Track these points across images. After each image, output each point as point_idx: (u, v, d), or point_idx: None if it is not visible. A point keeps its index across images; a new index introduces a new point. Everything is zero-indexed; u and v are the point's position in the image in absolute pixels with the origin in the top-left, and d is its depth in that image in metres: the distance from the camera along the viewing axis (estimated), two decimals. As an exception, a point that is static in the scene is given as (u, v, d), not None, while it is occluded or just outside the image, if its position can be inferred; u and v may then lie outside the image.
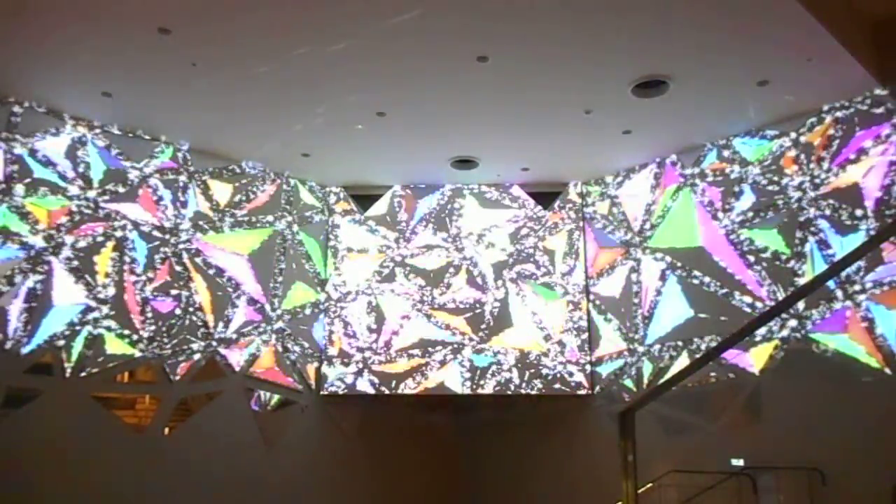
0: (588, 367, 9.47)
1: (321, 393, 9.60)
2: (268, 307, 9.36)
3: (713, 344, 8.12)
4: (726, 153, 8.65)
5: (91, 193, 8.23)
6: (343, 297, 9.92)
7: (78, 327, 7.83)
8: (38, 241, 7.73)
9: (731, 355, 7.99)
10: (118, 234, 8.34)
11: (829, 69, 7.04)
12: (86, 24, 6.38)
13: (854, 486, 6.75)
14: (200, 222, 9.02)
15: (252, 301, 9.23)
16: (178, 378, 8.42)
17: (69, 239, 7.97)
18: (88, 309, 7.94)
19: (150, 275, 8.49)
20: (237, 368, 8.92)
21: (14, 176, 7.71)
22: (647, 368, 8.92)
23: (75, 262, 7.95)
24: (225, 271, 9.08)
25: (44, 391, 7.51)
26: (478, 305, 9.73)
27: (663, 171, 9.27)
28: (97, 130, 8.38)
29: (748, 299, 8.13)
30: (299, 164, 9.60)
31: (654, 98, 7.56)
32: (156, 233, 8.63)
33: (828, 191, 7.69)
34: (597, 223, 9.91)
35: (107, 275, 8.15)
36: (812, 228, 7.74)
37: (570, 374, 9.44)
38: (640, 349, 9.04)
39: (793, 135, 8.08)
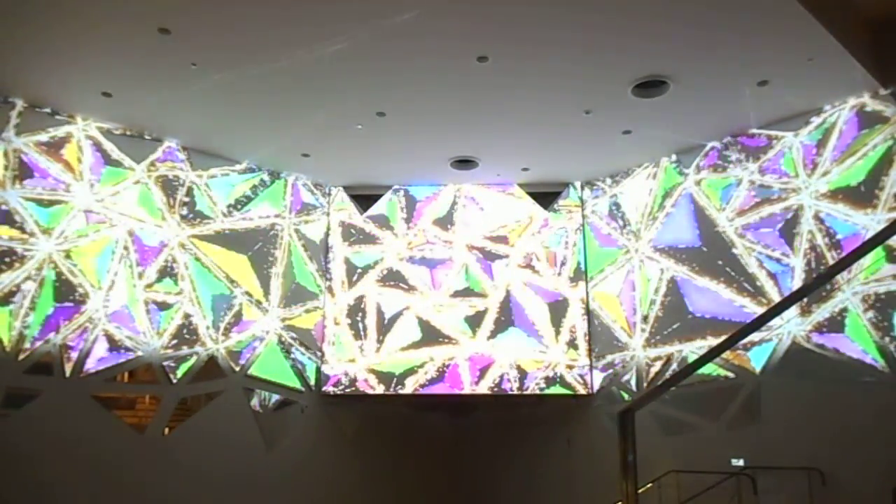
0: (588, 367, 9.48)
1: (321, 393, 9.61)
2: (268, 307, 9.36)
3: (713, 344, 8.11)
4: (726, 153, 8.66)
5: (91, 193, 8.24)
6: (343, 297, 9.92)
7: (78, 327, 7.83)
8: (38, 241, 7.73)
9: (731, 355, 8.00)
10: (118, 233, 8.34)
11: (829, 69, 7.03)
12: (86, 24, 6.38)
13: (854, 486, 6.75)
14: (200, 222, 9.03)
15: (252, 301, 9.23)
16: (178, 378, 8.44)
17: (69, 238, 7.97)
18: (89, 309, 7.95)
19: (150, 274, 8.49)
20: (237, 368, 8.93)
21: (14, 175, 7.71)
22: (647, 368, 8.93)
23: (75, 262, 7.96)
24: (225, 271, 9.09)
25: (44, 391, 7.52)
26: (478, 305, 9.73)
27: (663, 171, 9.27)
28: (97, 130, 8.39)
29: (748, 299, 8.13)
30: (299, 164, 9.61)
31: (654, 98, 7.56)
32: (156, 232, 8.64)
33: (828, 190, 7.69)
34: (597, 223, 9.91)
35: (106, 274, 8.16)
36: (812, 228, 7.74)
37: (571, 374, 9.44)
38: (640, 349, 9.05)
39: (793, 135, 8.09)
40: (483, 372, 9.48)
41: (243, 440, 8.81)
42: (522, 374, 9.43)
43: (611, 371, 9.33)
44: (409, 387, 9.49)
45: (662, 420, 8.30)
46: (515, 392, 9.41)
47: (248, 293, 9.23)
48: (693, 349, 8.50)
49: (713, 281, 8.48)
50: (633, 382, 9.05)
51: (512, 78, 7.26)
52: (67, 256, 7.93)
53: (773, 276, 8.00)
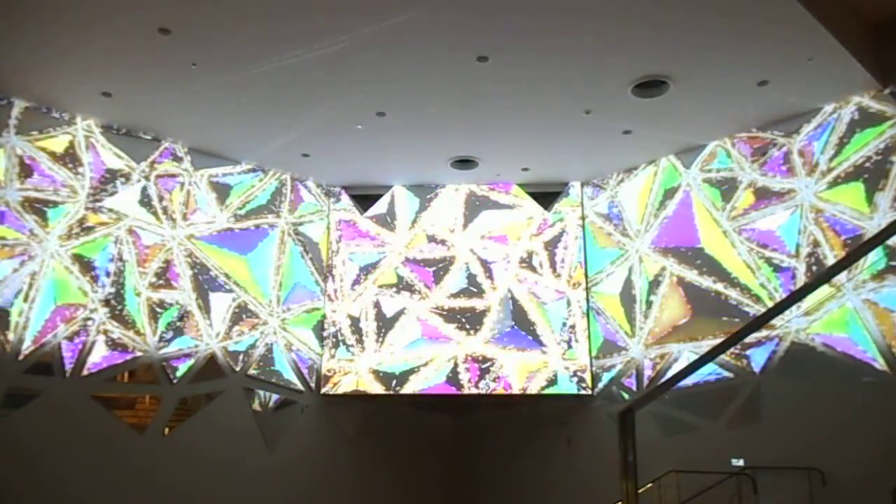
0: (588, 367, 9.47)
1: (321, 393, 9.61)
2: (268, 307, 9.36)
3: (713, 344, 8.11)
4: (726, 153, 8.66)
5: (91, 193, 8.24)
6: (343, 297, 9.93)
7: (78, 327, 7.83)
8: (38, 241, 7.74)
9: (732, 355, 8.00)
10: (118, 233, 8.35)
11: (829, 69, 7.04)
12: (86, 24, 6.38)
13: (854, 486, 6.75)
14: (200, 222, 9.03)
15: (252, 301, 9.23)
16: (178, 378, 8.44)
17: (69, 238, 7.97)
18: (89, 308, 7.95)
19: (150, 274, 8.49)
20: (237, 368, 8.93)
21: (14, 175, 7.72)
22: (647, 368, 8.93)
23: (75, 262, 7.96)
24: (225, 271, 9.09)
25: (44, 391, 7.51)
26: (478, 305, 9.73)
27: (663, 171, 9.27)
28: (97, 130, 8.39)
29: (748, 299, 8.13)
30: (299, 164, 9.60)
31: (654, 98, 7.56)
32: (156, 232, 8.64)
33: (828, 191, 7.69)
34: (597, 223, 9.91)
35: (107, 274, 8.16)
36: (812, 228, 7.74)
37: (570, 374, 9.44)
38: (640, 349, 9.05)
39: (793, 135, 8.09)
40: (483, 372, 9.48)
41: (243, 440, 8.81)
42: (522, 374, 9.43)
43: (611, 371, 9.33)
44: (410, 387, 9.49)
45: (662, 420, 8.30)
46: (515, 392, 9.41)
47: (248, 293, 9.23)
48: (693, 349, 8.50)
49: (714, 281, 8.47)
50: (633, 382, 9.06)
51: (512, 78, 7.26)
52: (67, 256, 7.93)
53: (773, 276, 7.99)
